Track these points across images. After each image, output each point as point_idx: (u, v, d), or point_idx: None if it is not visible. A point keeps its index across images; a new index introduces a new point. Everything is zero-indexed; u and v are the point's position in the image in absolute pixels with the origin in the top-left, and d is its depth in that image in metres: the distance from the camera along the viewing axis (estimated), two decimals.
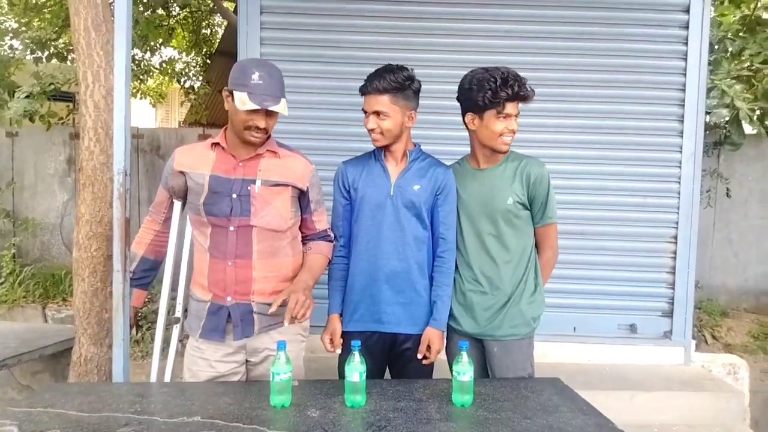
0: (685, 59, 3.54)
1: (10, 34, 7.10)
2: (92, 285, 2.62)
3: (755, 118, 5.47)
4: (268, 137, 2.01)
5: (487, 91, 2.00)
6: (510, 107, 2.04)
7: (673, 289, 3.62)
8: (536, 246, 2.19)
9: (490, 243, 2.12)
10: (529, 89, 2.03)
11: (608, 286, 3.63)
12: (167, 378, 2.13)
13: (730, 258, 5.68)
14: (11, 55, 6.46)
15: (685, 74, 3.54)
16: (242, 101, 1.80)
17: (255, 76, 1.82)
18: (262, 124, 1.86)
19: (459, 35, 3.55)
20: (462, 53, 3.47)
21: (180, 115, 13.59)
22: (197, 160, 1.98)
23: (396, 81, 2.06)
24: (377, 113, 2.07)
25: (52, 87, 5.71)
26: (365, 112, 2.10)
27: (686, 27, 3.52)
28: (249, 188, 1.92)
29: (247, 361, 2.04)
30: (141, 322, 4.47)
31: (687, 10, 3.51)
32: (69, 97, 7.10)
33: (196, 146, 2.06)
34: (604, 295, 3.63)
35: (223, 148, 1.97)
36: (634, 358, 3.58)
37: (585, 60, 3.57)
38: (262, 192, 1.93)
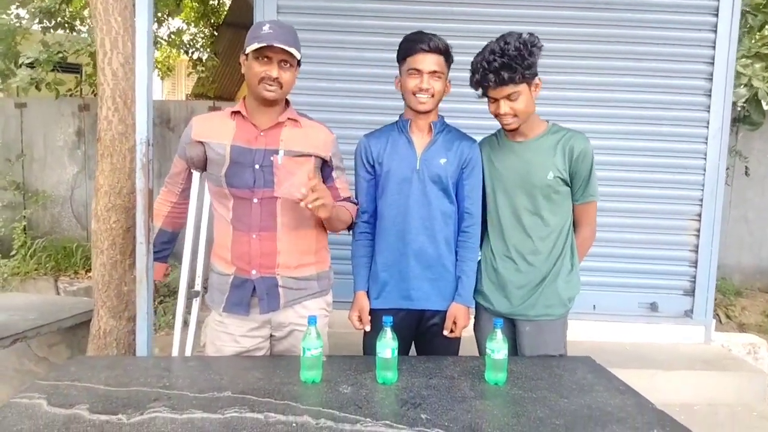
0: (715, 31, 3.44)
1: (17, 3, 6.97)
2: (111, 257, 2.58)
3: None
4: (288, 105, 1.96)
5: (474, 76, 1.98)
6: (493, 93, 1.96)
7: (696, 267, 3.58)
8: (573, 223, 2.11)
9: (527, 219, 2.04)
10: (495, 78, 1.89)
11: (629, 263, 3.59)
12: (187, 352, 2.10)
13: (746, 236, 5.63)
14: (17, 24, 6.34)
15: (714, 47, 3.44)
16: (252, 47, 1.77)
17: (266, 27, 1.80)
18: (274, 73, 1.80)
19: (482, 4, 3.44)
20: (485, 23, 3.38)
21: (187, 87, 13.46)
22: (217, 130, 1.91)
23: (446, 44, 2.02)
24: (433, 72, 2.01)
25: (60, 55, 5.62)
26: (416, 72, 2.01)
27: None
28: (272, 158, 1.86)
29: (271, 335, 2.00)
30: (155, 295, 4.46)
31: None
32: (76, 69, 7.00)
33: (214, 115, 1.99)
34: (625, 272, 3.59)
35: (243, 116, 1.91)
36: (655, 337, 3.56)
37: (611, 31, 3.47)
38: (284, 162, 1.87)
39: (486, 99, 2.05)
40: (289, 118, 1.93)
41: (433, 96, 2.03)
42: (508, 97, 1.94)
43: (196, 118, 1.99)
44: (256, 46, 1.76)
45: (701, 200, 3.55)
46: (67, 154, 5.88)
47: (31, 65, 5.50)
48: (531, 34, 1.93)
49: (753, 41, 5.42)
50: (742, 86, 4.59)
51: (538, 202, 2.03)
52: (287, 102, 1.97)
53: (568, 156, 2.00)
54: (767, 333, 4.79)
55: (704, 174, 3.53)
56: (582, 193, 2.05)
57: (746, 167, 5.34)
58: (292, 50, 1.80)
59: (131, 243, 2.56)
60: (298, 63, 1.88)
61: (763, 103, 5.08)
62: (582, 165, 2.00)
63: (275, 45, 1.76)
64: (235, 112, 1.93)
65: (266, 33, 1.78)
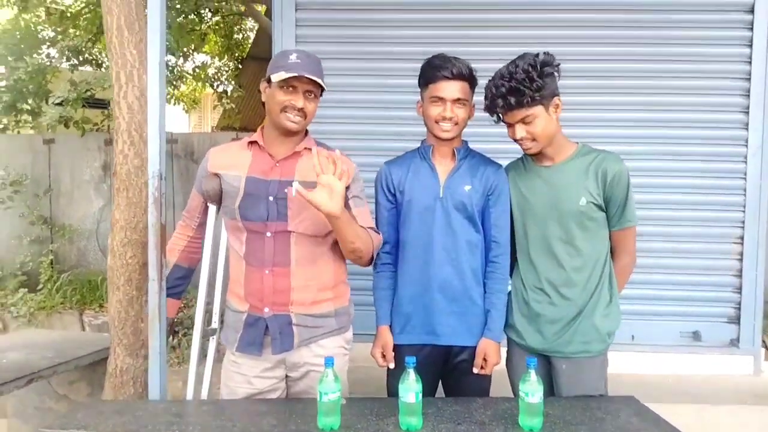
0: (751, 46, 3.29)
1: (47, 43, 7.17)
2: (127, 294, 2.52)
3: None
4: (306, 134, 1.89)
5: (486, 102, 1.91)
6: (506, 118, 1.87)
7: (740, 293, 3.37)
8: (611, 250, 1.96)
9: (559, 248, 1.90)
10: (503, 103, 1.81)
11: (669, 290, 3.40)
12: (204, 391, 2.00)
13: None
14: (47, 63, 6.50)
15: (750, 62, 3.29)
16: (278, 76, 1.71)
17: (293, 57, 1.74)
18: (299, 103, 1.74)
19: (507, 26, 3.38)
20: (508, 45, 3.27)
21: (213, 120, 13.67)
22: (233, 161, 1.85)
23: (470, 68, 1.94)
24: (457, 100, 1.92)
25: (88, 93, 5.71)
26: (439, 100, 1.92)
27: (751, 11, 3.27)
28: (286, 191, 1.78)
29: (287, 376, 1.89)
30: (177, 327, 4.40)
31: None
32: (104, 104, 7.13)
33: (231, 146, 1.93)
34: (665, 300, 3.40)
35: (260, 146, 1.85)
36: (698, 368, 3.35)
37: (644, 50, 3.36)
38: (299, 195, 1.77)
39: (504, 123, 1.95)
40: (305, 148, 1.85)
41: (456, 124, 1.95)
42: (523, 121, 1.84)
43: (213, 150, 1.93)
44: (284, 76, 1.70)
45: (743, 222, 3.36)
46: (93, 188, 5.93)
47: (59, 103, 5.59)
48: (547, 53, 1.84)
49: None
50: None
51: (570, 231, 1.88)
52: (306, 131, 1.90)
53: (601, 179, 1.85)
54: None
55: (745, 194, 3.35)
56: (619, 219, 1.90)
57: None
58: (319, 80, 1.74)
59: (147, 279, 2.49)
60: (322, 92, 1.82)
61: None
62: (617, 188, 1.85)
63: (305, 76, 1.70)
64: (252, 142, 1.86)
65: (294, 63, 1.72)
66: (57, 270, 5.69)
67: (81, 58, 7.12)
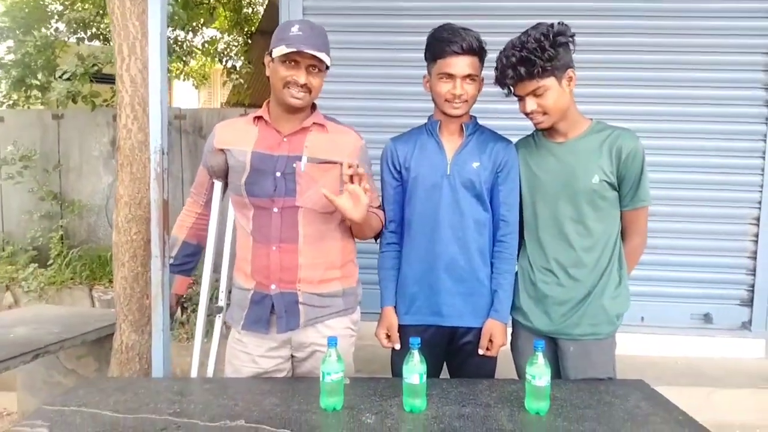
0: None
1: (56, 17, 7.11)
2: (132, 270, 2.50)
3: None
4: (314, 108, 1.83)
5: (496, 74, 1.86)
6: (517, 90, 1.82)
7: (754, 275, 3.31)
8: (621, 231, 1.90)
9: (569, 228, 1.85)
10: (513, 73, 1.76)
11: (681, 272, 3.35)
12: (209, 370, 1.99)
13: None
14: (54, 37, 6.45)
15: None
16: (279, 51, 1.66)
17: (295, 29, 1.68)
18: (302, 79, 1.69)
19: None
20: (519, 17, 3.16)
21: (222, 96, 13.59)
22: (238, 136, 1.82)
23: (479, 41, 1.86)
24: (467, 76, 1.85)
25: (95, 68, 5.67)
26: (448, 76, 1.86)
27: None
28: (294, 165, 1.74)
29: (292, 356, 1.87)
30: (186, 303, 4.40)
31: None
32: (111, 79, 7.09)
33: (237, 121, 1.89)
34: (676, 281, 3.35)
35: (266, 121, 1.81)
36: (709, 351, 3.31)
37: (664, 23, 3.26)
38: (308, 170, 1.75)
39: (515, 97, 1.88)
40: (314, 123, 1.81)
41: (466, 101, 1.88)
42: (534, 93, 1.78)
43: (219, 125, 1.90)
44: (284, 50, 1.65)
45: (760, 203, 3.28)
46: (102, 163, 5.92)
47: (68, 78, 5.55)
48: (561, 23, 1.77)
49: None
50: None
51: (582, 210, 1.83)
52: (314, 106, 1.85)
53: (615, 157, 1.79)
54: None
55: (763, 174, 3.26)
56: (632, 198, 1.83)
57: None
58: (322, 55, 1.67)
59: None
60: (327, 66, 1.75)
61: None
62: (632, 167, 1.79)
63: (305, 51, 1.64)
64: (258, 117, 1.82)
65: (295, 35, 1.66)
66: (67, 245, 5.71)
67: (89, 33, 7.06)
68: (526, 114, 1.85)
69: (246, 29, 9.92)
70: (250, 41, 9.77)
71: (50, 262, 5.48)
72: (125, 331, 2.56)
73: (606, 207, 1.84)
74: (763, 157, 3.26)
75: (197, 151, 5.75)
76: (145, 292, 2.54)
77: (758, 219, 3.29)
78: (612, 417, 1.53)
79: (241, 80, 8.84)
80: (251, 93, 9.35)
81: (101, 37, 7.23)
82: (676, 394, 1.70)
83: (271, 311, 1.79)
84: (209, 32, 10.10)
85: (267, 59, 1.76)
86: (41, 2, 7.00)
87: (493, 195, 1.94)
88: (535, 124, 1.87)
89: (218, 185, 1.94)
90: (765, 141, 3.25)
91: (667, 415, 1.55)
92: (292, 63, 1.68)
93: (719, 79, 3.26)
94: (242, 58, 9.37)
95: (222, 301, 2.01)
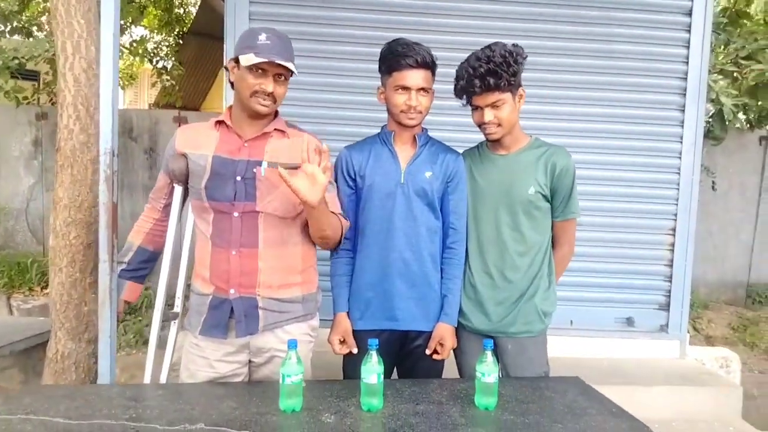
0: (688, 47, 3.47)
1: None
2: (70, 275, 2.42)
3: (739, 114, 5.55)
4: (276, 115, 1.86)
5: (458, 83, 1.96)
6: (478, 100, 1.93)
7: (671, 281, 3.57)
8: (552, 240, 2.06)
9: (506, 234, 1.99)
10: (480, 83, 1.87)
11: (606, 278, 3.56)
12: (163, 378, 1.95)
13: (710, 250, 5.74)
14: None
15: (687, 62, 3.47)
16: (248, 59, 1.66)
17: (262, 37, 1.69)
18: (270, 87, 1.71)
19: (462, 16, 3.41)
20: (466, 35, 3.33)
21: (150, 97, 13.13)
22: (199, 141, 1.81)
23: (432, 55, 1.94)
24: (421, 89, 1.93)
25: (16, 61, 5.38)
26: (404, 89, 1.92)
27: (689, 14, 3.45)
28: (255, 170, 1.76)
29: (250, 361, 1.87)
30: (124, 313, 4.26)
31: None
32: (33, 76, 6.73)
33: (198, 126, 1.88)
34: (602, 287, 3.56)
35: (228, 126, 1.81)
36: (631, 352, 3.53)
37: (586, 45, 3.47)
38: (268, 175, 1.75)
39: (470, 110, 2.00)
40: (276, 129, 1.83)
41: (421, 112, 1.96)
42: (493, 105, 1.90)
43: (180, 129, 1.88)
44: (254, 60, 1.65)
45: (675, 215, 3.55)
46: (23, 164, 5.62)
47: None
48: (515, 45, 1.92)
49: (718, 59, 5.58)
50: (708, 101, 4.69)
51: (518, 218, 1.98)
52: (276, 112, 1.87)
53: (550, 172, 1.96)
54: (734, 345, 4.87)
55: (678, 188, 3.54)
56: (563, 210, 2.01)
57: (713, 182, 5.45)
58: (290, 65, 1.71)
59: (92, 260, 2.41)
60: (292, 74, 1.78)
61: (726, 119, 5.22)
62: (564, 181, 1.97)
63: (275, 61, 1.67)
64: (220, 122, 1.82)
65: (263, 44, 1.68)
66: None
67: (9, 26, 6.67)
68: (480, 125, 1.96)
69: (177, 29, 9.67)
70: (181, 42, 9.53)
71: None
72: (61, 339, 2.47)
73: (539, 216, 2.00)
74: (678, 173, 3.54)
75: (127, 153, 5.57)
76: (83, 298, 2.47)
77: (674, 230, 3.56)
78: (553, 410, 1.64)
79: (172, 81, 8.60)
80: (183, 95, 9.11)
81: (23, 31, 6.85)
82: (604, 391, 1.83)
83: (230, 316, 1.79)
84: (138, 31, 9.79)
85: (231, 64, 1.76)
86: None
87: (443, 203, 2.03)
88: (487, 135, 1.99)
89: (179, 190, 1.91)
90: (680, 158, 3.53)
91: (602, 407, 1.69)
92: (260, 71, 1.70)
93: (640, 100, 3.51)
94: (173, 59, 9.12)
95: (178, 307, 1.98)
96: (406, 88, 1.93)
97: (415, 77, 1.92)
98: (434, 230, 2.02)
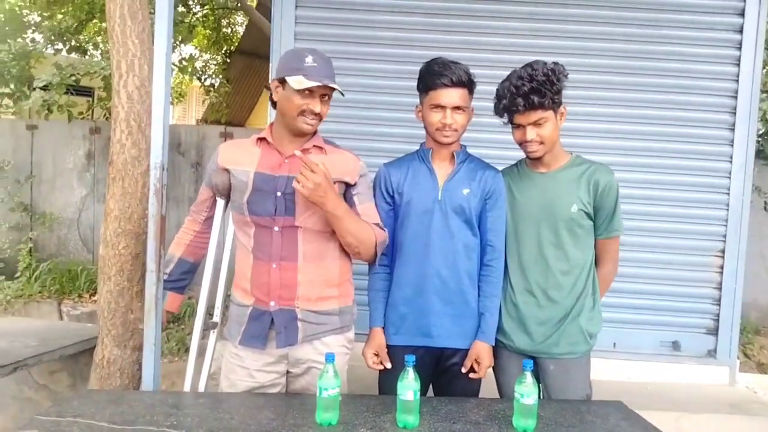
0: (738, 65, 3.38)
1: (33, 27, 7.05)
2: (118, 284, 2.50)
3: None
4: (315, 132, 1.90)
5: (500, 102, 1.96)
6: (521, 119, 1.91)
7: (719, 305, 3.44)
8: (595, 258, 2.03)
9: (549, 252, 1.96)
10: (524, 102, 1.86)
11: (651, 300, 3.46)
12: (201, 386, 2.00)
13: (762, 273, 5.51)
14: (31, 48, 6.39)
15: (737, 80, 3.38)
16: (299, 82, 1.72)
17: (309, 59, 1.75)
18: (317, 108, 1.77)
19: (502, 34, 3.41)
20: (506, 53, 3.33)
21: (197, 113, 13.54)
22: (242, 157, 1.87)
23: (469, 74, 1.96)
24: (457, 108, 1.95)
25: (73, 78, 5.63)
26: (439, 107, 1.95)
27: (740, 31, 3.36)
28: (294, 186, 1.77)
29: (288, 372, 1.90)
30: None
31: (742, 14, 3.35)
32: (88, 92, 7.04)
33: (241, 142, 1.95)
34: (647, 309, 3.46)
35: (269, 143, 1.87)
36: (677, 377, 3.41)
37: (633, 63, 3.41)
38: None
39: (510, 127, 1.99)
40: (314, 146, 1.87)
41: (456, 130, 1.98)
42: (536, 123, 1.90)
43: (223, 145, 1.95)
44: (307, 84, 1.71)
45: (725, 236, 3.44)
46: (76, 176, 5.85)
47: (44, 88, 5.50)
48: (556, 63, 1.91)
49: None
50: (758, 120, 4.54)
51: (561, 236, 1.95)
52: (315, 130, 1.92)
53: (593, 189, 1.94)
54: None
55: (728, 209, 3.43)
56: (606, 228, 1.98)
57: (765, 202, 5.26)
58: (338, 88, 1.78)
59: (140, 270, 2.48)
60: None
61: None
62: (607, 199, 1.94)
63: (327, 84, 1.74)
64: (261, 139, 1.88)
65: (311, 66, 1.74)
66: (36, 258, 5.60)
67: (68, 45, 7.01)
68: (521, 143, 1.96)
69: (225, 48, 9.97)
70: (228, 60, 9.82)
71: (18, 274, 5.37)
72: (107, 345, 2.54)
73: (582, 234, 1.97)
74: (728, 193, 3.42)
75: (174, 167, 5.74)
76: (129, 307, 2.54)
77: (723, 251, 3.44)
78: None
79: (219, 98, 8.86)
80: (228, 111, 9.37)
81: (80, 49, 7.19)
82: (647, 417, 1.78)
83: (270, 327, 1.83)
84: (187, 49, 10.13)
85: (274, 84, 1.82)
86: (18, 12, 6.93)
87: (481, 221, 2.03)
88: (528, 153, 1.97)
89: (221, 203, 1.98)
90: (729, 178, 3.42)
91: None
92: (308, 92, 1.75)
93: (688, 119, 3.42)
94: (220, 76, 9.40)
95: (217, 317, 2.03)
96: (441, 107, 1.95)
97: (450, 96, 1.94)
98: (472, 247, 2.01)
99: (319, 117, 1.80)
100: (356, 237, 1.81)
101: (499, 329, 2.04)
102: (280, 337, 1.82)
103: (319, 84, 1.72)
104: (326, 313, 1.87)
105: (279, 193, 1.80)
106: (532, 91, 1.84)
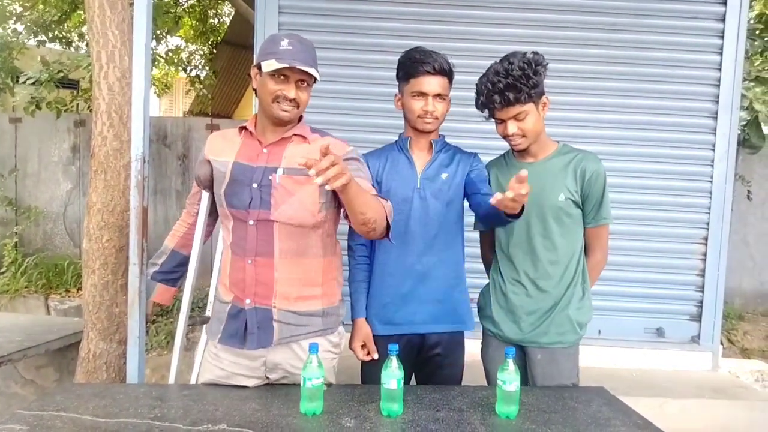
0: (721, 53, 3.40)
1: (14, 18, 6.94)
2: (102, 278, 2.49)
3: None
4: (300, 119, 1.83)
5: (479, 98, 1.93)
6: (500, 114, 1.90)
7: (702, 292, 3.49)
8: (584, 247, 2.03)
9: (537, 242, 1.95)
10: (500, 99, 1.83)
11: (635, 287, 3.50)
12: (193, 378, 1.99)
13: (746, 260, 5.58)
14: (13, 38, 6.29)
15: (720, 69, 3.41)
16: (269, 65, 1.64)
17: (284, 43, 1.66)
18: (291, 93, 1.68)
19: (483, 24, 3.41)
20: (487, 42, 3.34)
21: (184, 105, 13.44)
22: (224, 147, 1.82)
23: (449, 63, 1.97)
24: (438, 96, 1.95)
25: (61, 74, 5.55)
26: (421, 94, 1.95)
27: (723, 20, 3.38)
28: (270, 177, 1.71)
29: (267, 378, 1.82)
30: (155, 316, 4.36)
31: (724, 2, 3.37)
32: (72, 84, 6.95)
33: (227, 132, 1.88)
34: (631, 297, 3.50)
35: (250, 132, 1.81)
36: (661, 363, 3.46)
37: (617, 52, 3.44)
38: (283, 182, 1.71)
39: (492, 120, 1.99)
40: (295, 134, 1.77)
41: (437, 118, 1.98)
42: (516, 118, 1.88)
43: (211, 135, 1.90)
44: (275, 66, 1.63)
45: (707, 224, 3.48)
46: (62, 170, 5.79)
47: (32, 83, 5.42)
48: (535, 53, 1.89)
49: (753, 65, 5.43)
50: (742, 109, 4.58)
51: (549, 226, 1.94)
52: (300, 118, 1.83)
53: (580, 177, 1.92)
54: None
55: (710, 197, 3.46)
56: (594, 216, 1.97)
57: (748, 191, 5.30)
58: (312, 70, 1.67)
59: (124, 263, 2.47)
60: (315, 80, 1.75)
61: (763, 127, 5.08)
62: (595, 187, 1.92)
63: (297, 66, 1.64)
64: (244, 128, 1.82)
65: (285, 50, 1.65)
66: (21, 253, 5.55)
67: (50, 35, 6.91)
68: (505, 137, 1.95)
69: (211, 39, 9.89)
70: (215, 51, 9.74)
71: (3, 269, 5.32)
72: (93, 339, 2.54)
73: (570, 224, 1.96)
74: (711, 181, 3.46)
75: (160, 159, 5.70)
76: (114, 300, 2.53)
77: (706, 239, 3.48)
78: (576, 420, 1.62)
79: (205, 90, 8.80)
80: (214, 103, 9.31)
81: (63, 40, 7.09)
82: (632, 403, 1.79)
83: (246, 326, 1.76)
84: (173, 41, 10.04)
85: (254, 71, 1.75)
86: (0, 2, 6.82)
87: (467, 184, 1.99)
88: (513, 146, 1.97)
89: (206, 196, 1.94)
90: (712, 166, 3.46)
91: (626, 419, 1.66)
92: (282, 77, 1.68)
93: (671, 107, 3.45)
94: (206, 68, 9.33)
95: (209, 311, 1.99)
96: (423, 94, 1.95)
97: (432, 83, 1.94)
98: (453, 233, 2.03)
99: (295, 103, 1.70)
100: (373, 210, 1.59)
101: (489, 318, 2.06)
102: (252, 337, 1.74)
103: (286, 65, 1.63)
104: (307, 314, 1.78)
105: (255, 185, 1.72)
106: (507, 88, 1.82)
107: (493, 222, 1.93)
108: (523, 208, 1.66)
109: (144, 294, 1.96)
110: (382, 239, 1.73)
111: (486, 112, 1.96)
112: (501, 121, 1.92)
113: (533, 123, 1.90)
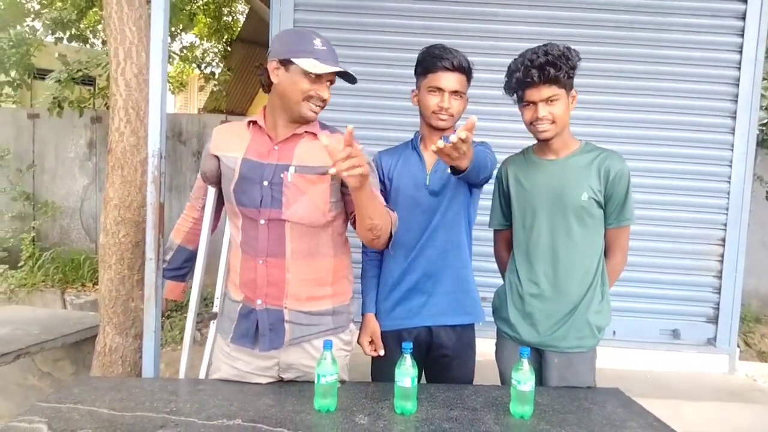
0: (740, 52, 3.36)
1: (32, 15, 7.02)
2: (119, 272, 2.51)
3: None
4: None
5: (514, 75, 1.87)
6: (534, 93, 1.83)
7: (719, 294, 3.45)
8: (604, 248, 1.96)
9: (557, 242, 1.90)
10: (539, 74, 1.77)
11: (651, 288, 3.46)
12: (202, 373, 2.00)
13: (764, 262, 5.51)
14: (31, 35, 6.37)
15: (739, 68, 3.36)
16: (313, 65, 1.59)
17: (318, 42, 1.63)
18: (325, 94, 1.67)
19: (502, 21, 3.39)
20: (509, 40, 3.32)
21: (199, 102, 13.52)
22: (232, 142, 1.76)
23: (468, 61, 1.95)
24: (455, 92, 1.94)
25: (80, 73, 5.59)
26: (437, 90, 1.93)
27: (743, 18, 3.34)
28: (282, 175, 1.67)
29: (281, 378, 1.81)
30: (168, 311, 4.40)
31: (744, 0, 3.32)
32: (90, 81, 7.02)
33: (232, 125, 1.83)
34: (647, 298, 3.47)
35: (260, 128, 1.74)
36: (676, 365, 3.42)
37: (634, 50, 3.40)
38: (295, 180, 1.67)
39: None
40: (306, 131, 1.73)
41: (452, 115, 1.96)
42: (548, 101, 1.82)
43: (216, 129, 1.85)
44: (320, 69, 1.59)
45: (725, 225, 3.43)
46: (78, 165, 5.86)
47: (56, 81, 5.46)
48: (568, 47, 1.86)
49: None
50: (762, 109, 4.51)
51: (570, 225, 1.88)
52: None
53: (604, 177, 1.86)
54: None
55: (728, 198, 3.42)
56: (616, 217, 1.90)
57: (767, 192, 5.24)
58: (352, 73, 1.67)
59: (140, 258, 2.49)
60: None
61: None
62: (618, 187, 1.87)
63: (341, 69, 1.63)
64: (253, 123, 1.76)
65: (321, 50, 1.62)
66: (39, 247, 5.62)
67: (68, 33, 6.98)
68: (531, 123, 1.87)
69: (226, 37, 9.94)
70: (229, 48, 9.79)
71: (21, 263, 5.39)
72: (109, 333, 2.56)
73: (592, 224, 1.90)
74: (729, 182, 3.42)
75: (176, 156, 5.75)
76: (130, 294, 2.55)
77: (724, 240, 3.44)
78: (591, 421, 1.61)
79: (220, 87, 8.84)
80: (228, 100, 9.35)
81: (80, 37, 7.16)
82: (646, 405, 1.77)
83: (257, 327, 1.74)
84: (188, 38, 10.11)
85: (273, 65, 1.66)
86: (18, 0, 6.89)
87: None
88: (539, 132, 1.88)
89: (212, 191, 1.91)
90: (731, 166, 3.41)
91: (642, 420, 1.64)
92: (316, 77, 1.63)
93: (689, 106, 3.41)
94: (221, 65, 9.38)
95: (217, 307, 1.98)
96: (439, 90, 1.93)
97: (449, 80, 1.92)
98: (461, 226, 2.02)
99: (324, 103, 1.69)
100: (380, 217, 1.64)
101: (505, 320, 2.01)
102: (263, 338, 1.72)
103: (336, 70, 1.62)
104: (318, 313, 1.76)
105: (266, 183, 1.67)
106: (547, 63, 1.77)
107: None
108: (468, 167, 1.69)
109: (160, 289, 1.98)
110: (381, 249, 1.79)
111: (515, 96, 1.91)
112: (530, 104, 1.86)
113: (563, 111, 1.85)
